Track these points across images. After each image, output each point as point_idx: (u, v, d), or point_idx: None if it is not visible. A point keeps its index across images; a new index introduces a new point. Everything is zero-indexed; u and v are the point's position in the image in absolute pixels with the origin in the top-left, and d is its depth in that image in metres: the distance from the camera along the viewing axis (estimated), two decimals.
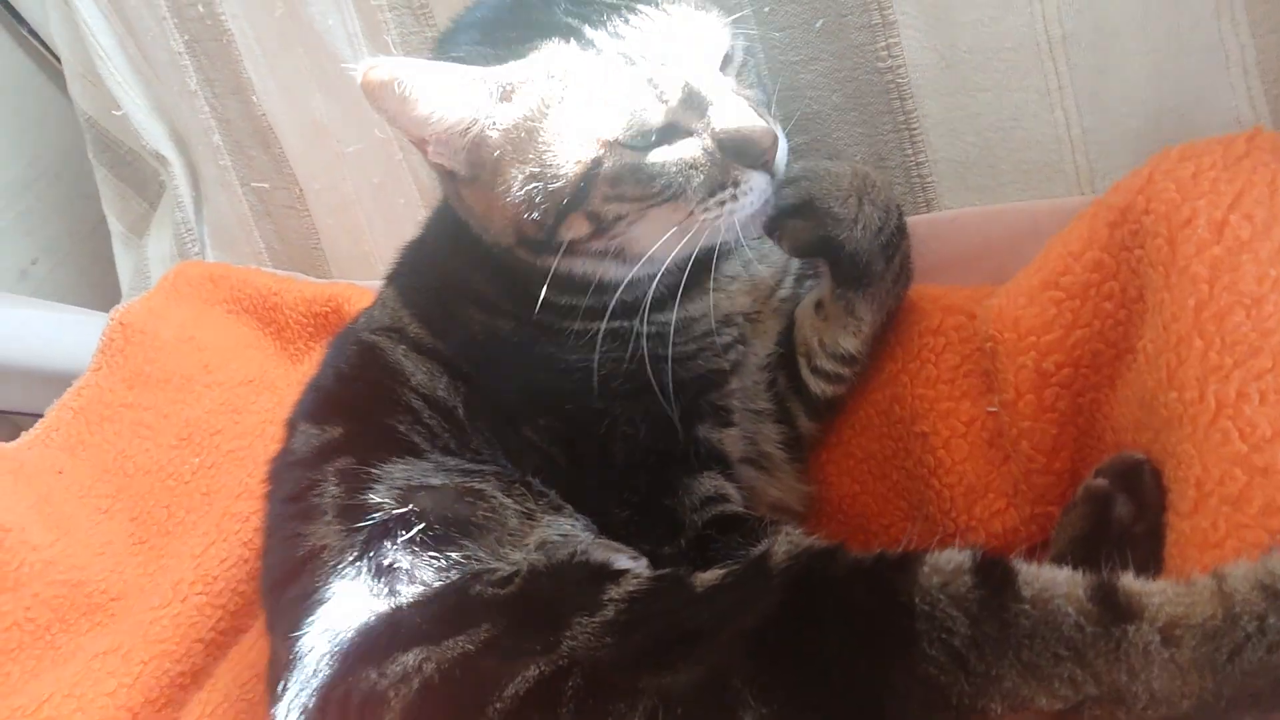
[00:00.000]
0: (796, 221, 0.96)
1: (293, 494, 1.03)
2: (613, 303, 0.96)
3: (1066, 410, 0.91)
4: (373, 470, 0.98)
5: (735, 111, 0.89)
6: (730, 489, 1.02)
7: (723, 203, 0.90)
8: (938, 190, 1.13)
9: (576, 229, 0.92)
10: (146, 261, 2.07)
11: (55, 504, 1.54)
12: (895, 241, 0.99)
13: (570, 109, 0.89)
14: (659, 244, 0.91)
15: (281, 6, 1.59)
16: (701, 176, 0.89)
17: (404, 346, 1.10)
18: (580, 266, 0.97)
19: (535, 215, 0.91)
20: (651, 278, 0.96)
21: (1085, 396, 0.91)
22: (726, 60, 0.94)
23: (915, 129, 1.11)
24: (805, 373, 1.08)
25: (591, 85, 0.88)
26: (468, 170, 0.95)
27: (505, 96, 0.90)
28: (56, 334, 2.05)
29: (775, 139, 0.90)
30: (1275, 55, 0.91)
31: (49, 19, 1.98)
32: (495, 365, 1.06)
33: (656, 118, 0.88)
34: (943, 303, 1.06)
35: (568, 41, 0.90)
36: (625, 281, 0.97)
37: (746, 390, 1.08)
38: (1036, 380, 0.91)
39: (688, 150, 0.89)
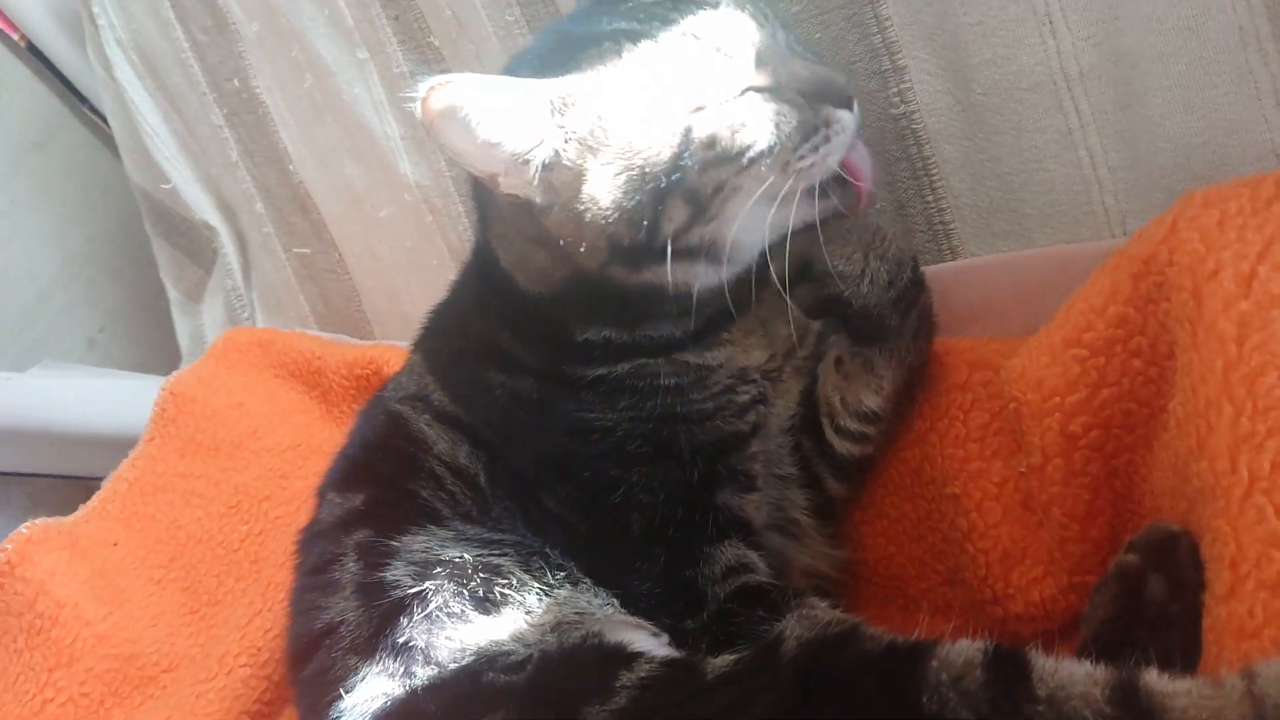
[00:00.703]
0: (801, 286, 0.92)
1: (315, 566, 1.03)
2: (659, 333, 0.95)
3: (1099, 474, 0.85)
4: (391, 543, 0.97)
5: (804, 62, 0.90)
6: (754, 558, 0.99)
7: (817, 146, 0.88)
8: (961, 237, 1.08)
9: (676, 216, 0.89)
10: (203, 327, 2.12)
11: (109, 577, 1.57)
12: (910, 295, 0.95)
13: (644, 92, 0.88)
14: (755, 219, 0.89)
15: (310, 78, 1.62)
16: (794, 122, 0.87)
17: (428, 416, 1.09)
18: (675, 275, 0.92)
19: (632, 214, 0.89)
20: (720, 292, 0.94)
21: (1119, 459, 0.85)
22: (780, 26, 0.95)
23: (934, 175, 1.07)
24: (830, 433, 1.03)
25: (659, 65, 0.88)
26: (545, 196, 0.92)
27: (571, 104, 0.89)
28: (122, 400, 2.11)
29: (848, 84, 0.90)
30: None
31: (102, 97, 2.05)
32: (516, 431, 1.04)
33: (734, 79, 0.87)
34: (969, 357, 1.01)
35: (619, 42, 0.89)
36: (712, 289, 0.94)
37: (770, 454, 1.04)
38: (1064, 444, 0.85)
39: (770, 100, 0.88)
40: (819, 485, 1.06)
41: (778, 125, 0.87)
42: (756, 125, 0.87)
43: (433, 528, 0.99)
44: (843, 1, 1.04)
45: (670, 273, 0.91)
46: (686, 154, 0.86)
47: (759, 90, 0.88)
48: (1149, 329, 0.81)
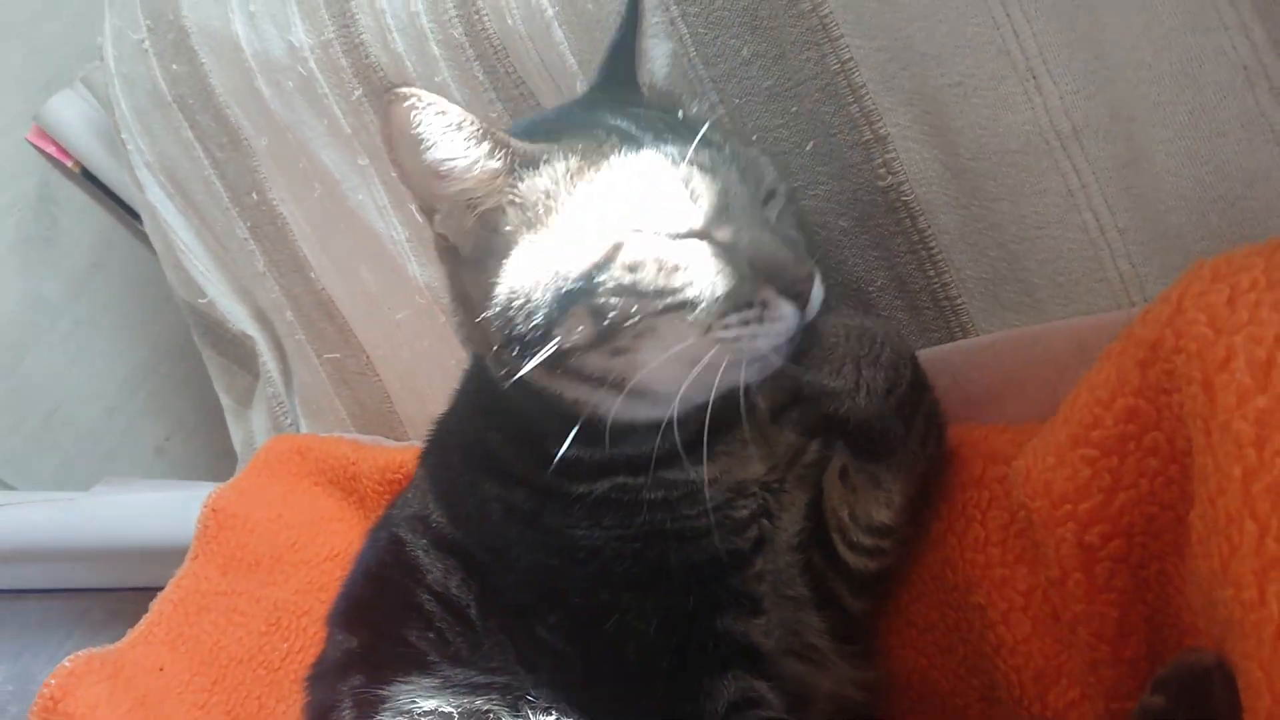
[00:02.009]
0: (792, 411, 0.84)
1: (317, 713, 1.01)
2: (637, 450, 0.87)
3: (1127, 588, 0.74)
4: (380, 691, 0.94)
5: (770, 237, 0.83)
6: (763, 690, 0.90)
7: (746, 322, 0.81)
8: (970, 313, 0.98)
9: (577, 330, 0.82)
10: (253, 433, 2.14)
11: (153, 705, 1.55)
12: (912, 400, 0.86)
13: (600, 189, 0.84)
14: (666, 369, 0.81)
15: (319, 187, 1.61)
16: (726, 287, 0.81)
17: (425, 540, 1.05)
18: (572, 391, 0.87)
19: (538, 305, 0.83)
20: (656, 428, 0.86)
21: (1148, 570, 0.74)
22: (770, 196, 0.90)
23: (933, 248, 0.98)
24: (842, 549, 0.94)
25: (627, 172, 0.84)
26: (472, 249, 0.89)
27: (530, 170, 0.85)
28: (181, 511, 2.13)
29: (811, 273, 0.82)
30: None
31: (144, 217, 2.10)
32: (508, 550, 0.98)
33: (687, 219, 0.82)
34: (984, 448, 0.91)
35: (609, 138, 0.86)
36: (625, 423, 0.87)
37: (778, 574, 0.95)
38: (1082, 556, 0.75)
39: (716, 257, 0.81)
40: (837, 604, 0.97)
41: (711, 282, 0.80)
42: (687, 273, 0.80)
43: (417, 677, 0.95)
44: (814, 72, 0.97)
45: (563, 388, 0.86)
46: (606, 268, 0.80)
47: (707, 241, 0.82)
48: (1164, 423, 0.71)
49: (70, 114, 2.29)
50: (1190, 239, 0.81)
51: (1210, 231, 0.79)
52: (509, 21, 1.19)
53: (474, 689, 0.93)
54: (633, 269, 0.80)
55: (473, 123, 0.83)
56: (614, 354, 0.83)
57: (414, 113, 0.81)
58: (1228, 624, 0.61)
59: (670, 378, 0.82)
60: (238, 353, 2.14)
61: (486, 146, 0.84)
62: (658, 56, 0.99)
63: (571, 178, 0.85)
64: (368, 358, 1.78)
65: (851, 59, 0.94)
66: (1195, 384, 0.65)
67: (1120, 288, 0.88)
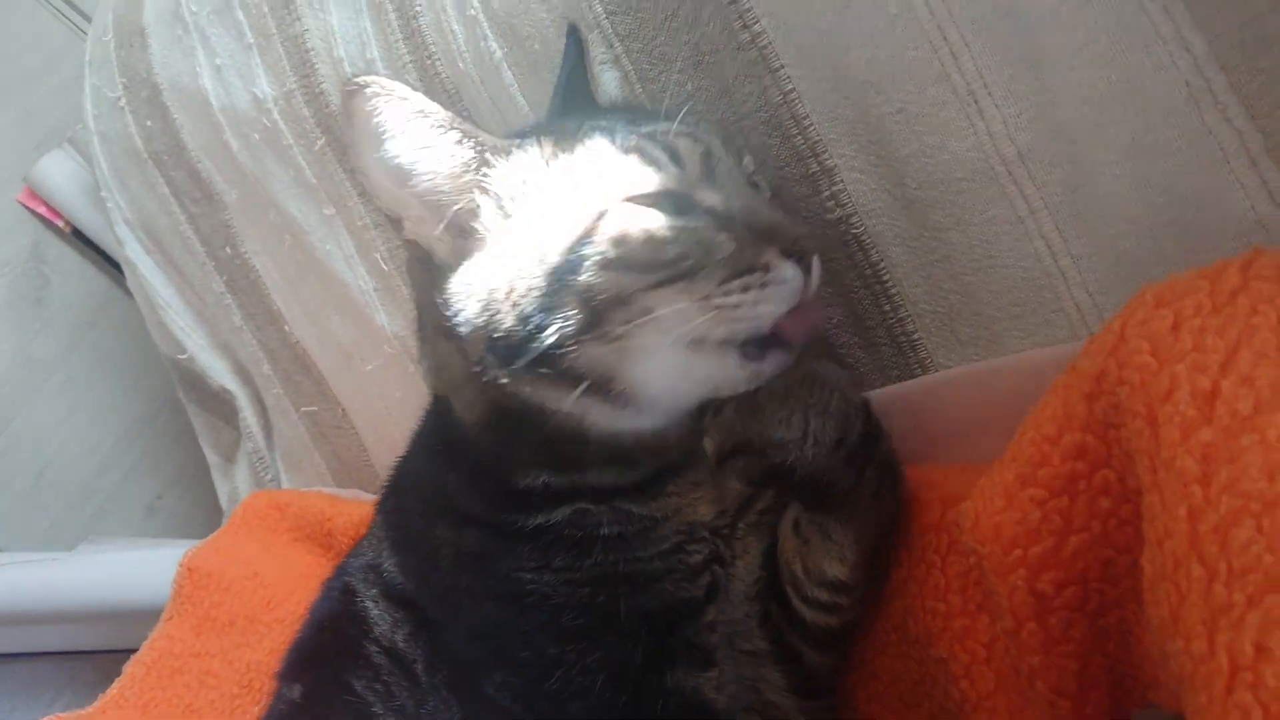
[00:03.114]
0: (737, 461, 0.80)
1: None
2: (602, 480, 0.83)
3: (1085, 639, 0.69)
4: None
5: (762, 200, 0.81)
6: None
7: (748, 288, 0.76)
8: (928, 349, 0.94)
9: (569, 320, 0.77)
10: (237, 489, 2.11)
11: None
12: (864, 451, 0.81)
13: (579, 163, 0.81)
14: (669, 364, 0.77)
15: (288, 238, 1.60)
16: (727, 251, 0.76)
17: (375, 590, 1.01)
18: (555, 400, 0.81)
19: (524, 294, 0.78)
20: (637, 442, 0.83)
21: (1108, 618, 0.69)
22: (753, 174, 0.88)
23: (886, 282, 0.94)
24: (797, 603, 0.89)
25: (606, 145, 0.81)
26: (446, 254, 0.83)
27: (502, 158, 0.82)
28: (164, 570, 2.10)
29: (808, 235, 0.79)
30: None
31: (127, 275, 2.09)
32: (457, 600, 0.94)
33: (672, 181, 0.79)
34: (942, 491, 0.86)
35: (580, 127, 0.83)
36: (623, 434, 0.83)
37: (734, 625, 0.90)
38: (1035, 605, 0.70)
39: (709, 222, 0.78)
40: (797, 659, 0.91)
41: (707, 248, 0.76)
42: (681, 238, 0.76)
43: None
44: (758, 105, 0.94)
45: (553, 394, 0.80)
46: (590, 241, 0.76)
47: (698, 206, 0.79)
48: (1115, 460, 0.66)
49: (60, 174, 2.31)
50: (1145, 265, 0.77)
51: (1165, 257, 0.75)
52: (460, 65, 1.18)
53: None
54: (619, 242, 0.76)
55: (439, 111, 0.80)
56: (605, 342, 0.77)
57: (376, 100, 0.77)
58: (1180, 678, 0.56)
59: (669, 372, 0.77)
60: (222, 408, 2.11)
61: (454, 136, 0.81)
62: (608, 83, 0.97)
63: (547, 160, 0.82)
64: (343, 410, 1.76)
65: (793, 90, 0.92)
66: (1140, 418, 0.61)
67: (1078, 318, 0.84)
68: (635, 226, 0.76)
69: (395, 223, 0.82)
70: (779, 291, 0.77)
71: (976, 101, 0.81)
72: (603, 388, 0.80)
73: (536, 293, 0.77)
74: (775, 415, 0.79)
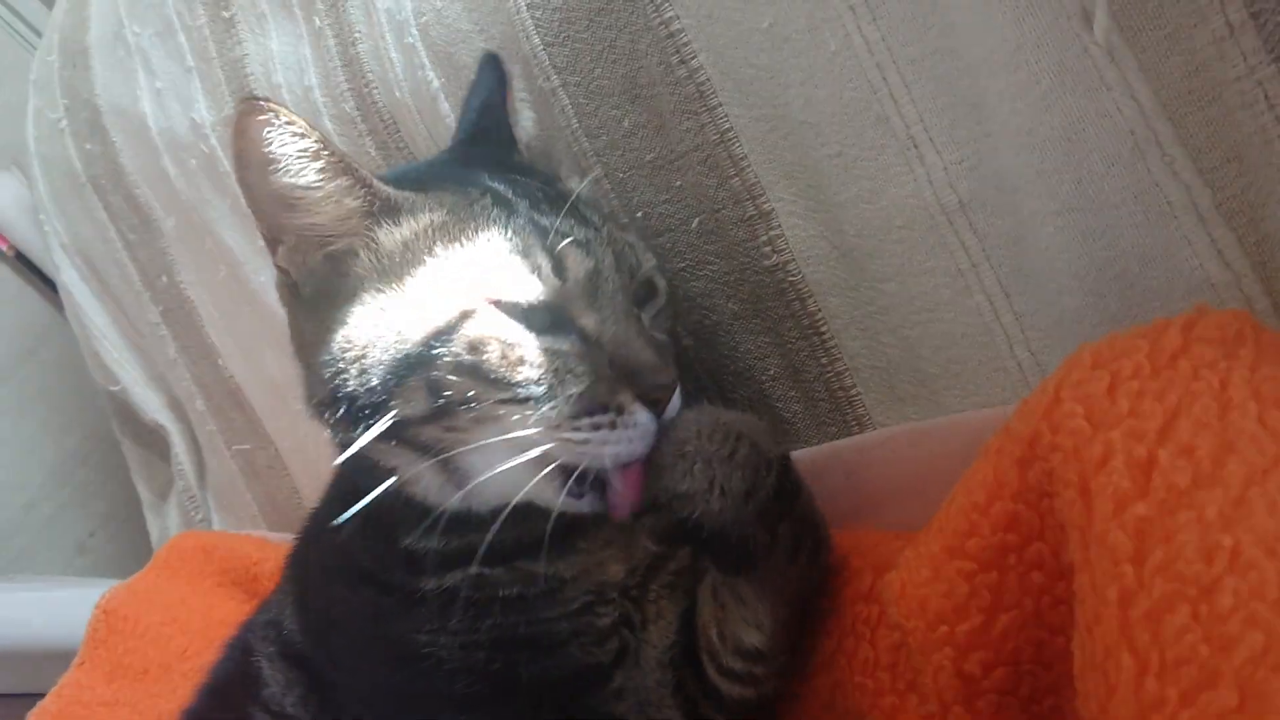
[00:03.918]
0: (645, 518, 0.75)
1: None
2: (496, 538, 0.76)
3: None
4: None
5: (637, 333, 0.74)
6: None
7: (598, 427, 0.72)
8: (866, 404, 0.89)
9: (412, 403, 0.73)
10: (168, 529, 2.02)
11: None
12: (778, 506, 0.76)
13: (461, 250, 0.76)
14: (502, 465, 0.72)
15: (223, 269, 1.54)
16: (581, 386, 0.72)
17: (273, 649, 0.96)
18: (405, 468, 0.76)
19: (373, 365, 0.73)
20: (485, 521, 0.76)
21: (1042, 704, 0.63)
22: (646, 289, 0.82)
23: (824, 333, 0.89)
24: (712, 673, 0.83)
25: (493, 236, 0.76)
26: (313, 290, 0.79)
27: (395, 212, 0.77)
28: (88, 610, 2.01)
29: (673, 381, 0.74)
30: (1237, 189, 0.65)
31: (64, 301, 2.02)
32: (351, 662, 0.88)
33: (550, 293, 0.74)
34: (874, 558, 0.81)
35: (484, 198, 0.78)
36: (449, 510, 0.77)
37: (645, 693, 0.84)
38: (961, 687, 0.64)
39: (574, 348, 0.73)
40: None
41: (565, 378, 0.72)
42: (541, 362, 0.72)
43: None
44: (695, 143, 0.90)
45: (392, 458, 0.76)
46: (449, 339, 0.71)
47: (567, 325, 0.74)
48: (1048, 533, 0.61)
49: (5, 195, 2.24)
50: (1089, 323, 0.73)
51: (1109, 315, 0.71)
52: (397, 94, 1.13)
53: None
54: (476, 348, 0.71)
55: (332, 153, 0.75)
56: (447, 431, 0.73)
57: (268, 129, 0.73)
58: None
59: (498, 473, 0.72)
60: (156, 443, 2.03)
61: (345, 182, 0.76)
62: (525, 121, 0.92)
63: (433, 232, 0.77)
64: (276, 450, 1.68)
65: (731, 129, 0.87)
66: (1072, 487, 0.56)
67: (1019, 377, 0.79)
68: (497, 337, 0.72)
69: (271, 244, 0.77)
70: (627, 434, 0.73)
71: (916, 146, 0.77)
72: (441, 465, 0.75)
73: (386, 368, 0.73)
74: (678, 467, 0.74)
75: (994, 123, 0.72)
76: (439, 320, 0.72)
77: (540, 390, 0.72)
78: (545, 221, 0.77)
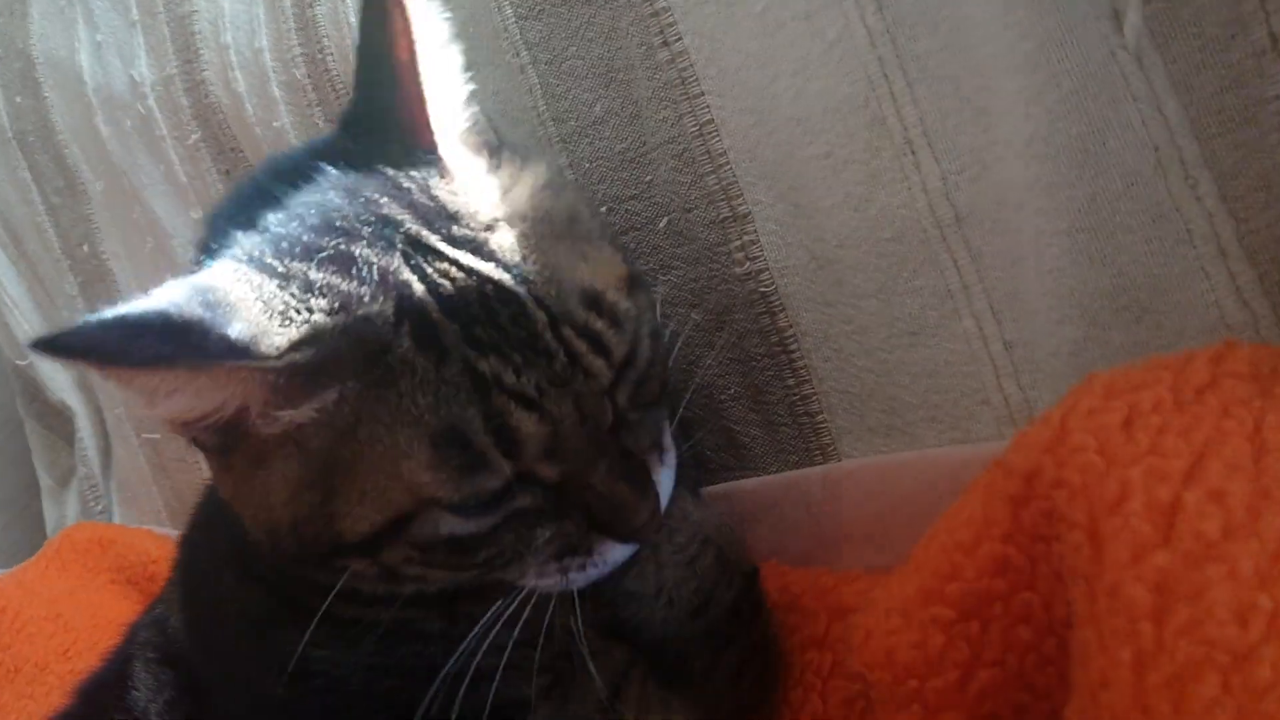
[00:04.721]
0: (585, 601, 0.66)
1: None
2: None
3: None
4: None
5: (608, 477, 0.60)
6: None
7: (567, 570, 0.63)
8: (832, 433, 0.82)
9: (357, 566, 0.63)
10: (65, 519, 1.89)
11: None
12: (729, 630, 0.69)
13: (382, 435, 0.57)
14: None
15: (150, 240, 1.44)
16: (554, 542, 0.62)
17: (153, 647, 0.86)
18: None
19: (303, 537, 0.62)
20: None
21: None
22: (628, 362, 0.62)
23: (793, 351, 0.82)
24: None
25: (420, 406, 0.57)
26: (215, 443, 0.63)
27: (292, 380, 0.56)
28: None
29: (657, 507, 0.62)
30: (1264, 221, 0.59)
31: None
32: (233, 667, 0.78)
33: (499, 478, 0.58)
34: (831, 600, 0.73)
35: (400, 324, 0.57)
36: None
37: None
38: None
39: (535, 502, 0.61)
40: None
41: (529, 540, 0.62)
42: (495, 540, 0.61)
43: None
44: (671, 135, 0.83)
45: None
46: (393, 539, 0.60)
47: (530, 481, 0.60)
48: (1040, 582, 0.54)
49: None
50: (1089, 358, 0.66)
51: (1111, 349, 0.64)
52: (353, 63, 1.05)
53: None
54: (424, 547, 0.60)
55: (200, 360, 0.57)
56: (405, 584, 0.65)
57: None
58: None
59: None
60: (62, 426, 1.90)
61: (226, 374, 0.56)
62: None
63: (344, 403, 0.58)
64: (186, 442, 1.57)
65: (711, 121, 0.80)
66: (1079, 530, 0.48)
67: (1005, 413, 0.72)
68: (445, 533, 0.60)
69: None
70: (604, 561, 0.64)
71: (914, 152, 0.70)
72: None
73: (325, 543, 0.61)
74: (629, 562, 0.65)
75: (1003, 129, 0.66)
76: (367, 526, 0.59)
77: (505, 559, 0.62)
78: (487, 367, 0.57)
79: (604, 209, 0.89)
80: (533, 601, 0.66)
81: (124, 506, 1.75)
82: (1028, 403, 0.71)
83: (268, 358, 0.54)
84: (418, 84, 0.63)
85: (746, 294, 0.82)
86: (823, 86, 0.73)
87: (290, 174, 0.64)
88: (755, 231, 0.81)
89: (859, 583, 0.73)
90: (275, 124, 1.16)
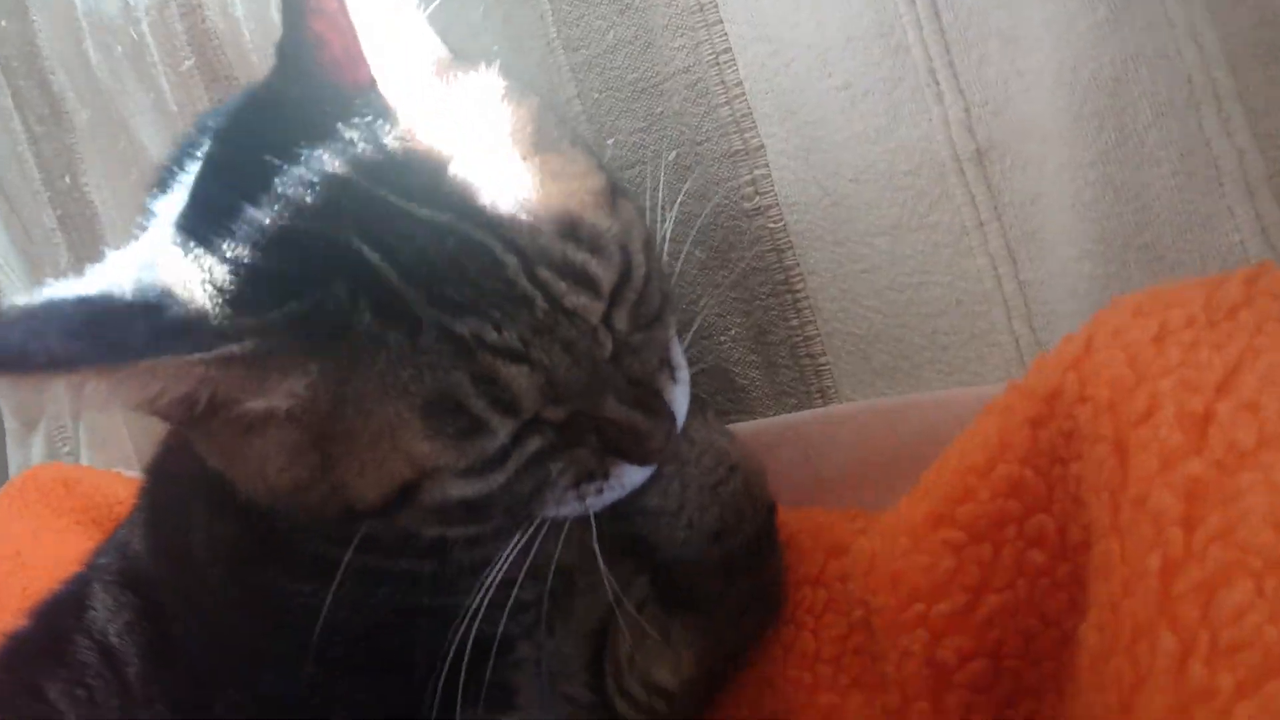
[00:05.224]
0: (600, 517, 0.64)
1: None
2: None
3: None
4: None
5: (616, 404, 0.57)
6: None
7: (584, 497, 0.60)
8: (834, 376, 0.80)
9: (373, 529, 0.61)
10: (30, 462, 1.85)
11: None
12: (746, 560, 0.67)
13: (371, 409, 0.54)
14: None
15: (135, 172, 1.40)
16: (570, 471, 0.59)
17: (115, 569, 0.81)
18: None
19: (308, 502, 0.59)
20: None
21: (1018, 710, 0.54)
22: (622, 284, 0.58)
23: (798, 291, 0.80)
24: (610, 686, 0.73)
25: (403, 379, 0.53)
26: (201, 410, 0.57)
27: (249, 370, 0.52)
28: None
29: (672, 427, 0.59)
30: None
31: None
32: (200, 595, 0.74)
33: (501, 437, 0.55)
34: (827, 538, 0.71)
35: (356, 300, 0.52)
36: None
37: (559, 660, 0.73)
38: (931, 678, 0.54)
39: (546, 442, 0.58)
40: None
41: (543, 476, 0.58)
42: (509, 490, 0.58)
43: None
44: (686, 64, 0.81)
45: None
46: (398, 508, 0.58)
47: (538, 425, 0.57)
48: (1056, 504, 0.52)
49: None
50: (1105, 298, 0.64)
51: (1129, 288, 0.63)
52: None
53: None
54: (437, 510, 0.57)
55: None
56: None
57: None
58: None
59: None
60: None
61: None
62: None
63: (323, 379, 0.54)
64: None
65: (729, 50, 0.78)
66: (1104, 443, 0.47)
67: (1014, 355, 0.71)
68: (456, 495, 0.57)
69: None
70: (621, 484, 0.61)
71: (937, 82, 0.69)
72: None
73: (334, 512, 0.58)
74: (651, 478, 0.63)
75: (1033, 58, 0.64)
76: (373, 497, 0.56)
77: (522, 501, 0.59)
78: (465, 329, 0.53)
79: (609, 140, 0.87)
80: (543, 532, 0.64)
81: (92, 449, 1.71)
82: (1038, 344, 0.70)
83: (200, 352, 0.50)
84: (345, 14, 0.54)
85: (754, 231, 0.81)
86: (845, 14, 0.72)
87: (236, 129, 0.59)
88: (767, 165, 0.79)
89: (857, 520, 0.71)
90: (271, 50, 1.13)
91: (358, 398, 0.53)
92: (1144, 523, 0.43)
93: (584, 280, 0.55)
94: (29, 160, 1.57)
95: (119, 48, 1.34)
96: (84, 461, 1.73)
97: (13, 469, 1.94)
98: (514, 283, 0.53)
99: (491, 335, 0.52)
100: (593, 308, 0.56)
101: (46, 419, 1.74)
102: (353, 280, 0.52)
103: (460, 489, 0.56)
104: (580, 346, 0.55)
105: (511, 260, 0.53)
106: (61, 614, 0.81)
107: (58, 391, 0.49)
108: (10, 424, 1.94)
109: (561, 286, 0.54)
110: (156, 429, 1.49)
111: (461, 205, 0.53)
